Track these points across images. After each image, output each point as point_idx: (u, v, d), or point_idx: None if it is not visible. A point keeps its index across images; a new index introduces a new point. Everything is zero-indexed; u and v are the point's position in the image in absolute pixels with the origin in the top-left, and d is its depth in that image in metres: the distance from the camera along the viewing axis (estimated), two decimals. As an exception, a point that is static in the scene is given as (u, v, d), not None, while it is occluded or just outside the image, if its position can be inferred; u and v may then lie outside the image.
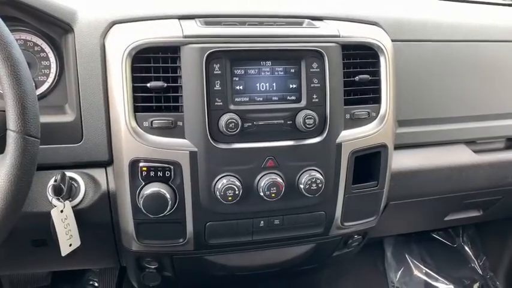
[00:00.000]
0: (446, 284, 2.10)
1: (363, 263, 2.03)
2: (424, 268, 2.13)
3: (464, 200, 1.47)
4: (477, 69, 1.33)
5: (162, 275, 1.25)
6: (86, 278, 1.90)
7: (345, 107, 1.08)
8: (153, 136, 0.99)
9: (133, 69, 0.99)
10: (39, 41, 1.09)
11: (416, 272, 2.11)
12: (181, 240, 1.09)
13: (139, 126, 0.99)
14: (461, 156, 1.32)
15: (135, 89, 0.99)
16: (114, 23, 1.05)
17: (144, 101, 1.00)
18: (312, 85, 1.03)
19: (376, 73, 1.12)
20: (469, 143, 1.36)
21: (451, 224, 1.92)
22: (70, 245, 1.03)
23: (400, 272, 2.09)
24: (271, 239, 1.14)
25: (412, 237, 2.23)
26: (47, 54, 1.10)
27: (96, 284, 1.88)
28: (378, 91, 1.12)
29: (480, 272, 2.17)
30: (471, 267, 2.19)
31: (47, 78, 1.10)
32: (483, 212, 1.64)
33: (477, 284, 2.12)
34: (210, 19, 1.08)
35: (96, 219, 1.09)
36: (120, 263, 1.33)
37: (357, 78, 1.10)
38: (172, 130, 1.00)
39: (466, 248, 2.24)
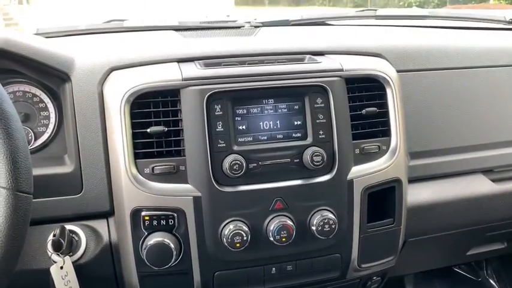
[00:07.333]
0: (474, 323, 1.99)
1: (383, 304, 1.94)
2: (449, 306, 2.03)
3: (486, 233, 1.41)
4: (488, 95, 1.29)
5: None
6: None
7: (353, 141, 1.05)
8: (154, 183, 0.96)
9: (133, 115, 0.97)
10: (38, 92, 1.09)
11: (441, 311, 2.01)
12: None
13: (140, 173, 0.97)
14: (479, 186, 1.27)
15: (135, 135, 0.97)
16: (112, 69, 1.04)
17: (145, 147, 0.98)
18: (317, 121, 1.00)
19: (384, 105, 1.10)
20: (487, 172, 1.30)
21: (474, 259, 1.85)
22: (71, 303, 0.99)
23: (423, 312, 1.98)
24: (284, 286, 1.09)
25: (433, 272, 2.14)
26: (45, 104, 1.09)
27: None
28: (386, 123, 1.10)
29: (509, 307, 2.06)
30: (499, 302, 2.08)
31: (46, 129, 1.09)
32: (507, 243, 1.57)
33: (507, 320, 2.01)
34: (209, 61, 1.07)
35: (99, 273, 1.05)
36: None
37: (363, 111, 1.07)
38: (174, 175, 0.97)
39: (492, 281, 2.14)
